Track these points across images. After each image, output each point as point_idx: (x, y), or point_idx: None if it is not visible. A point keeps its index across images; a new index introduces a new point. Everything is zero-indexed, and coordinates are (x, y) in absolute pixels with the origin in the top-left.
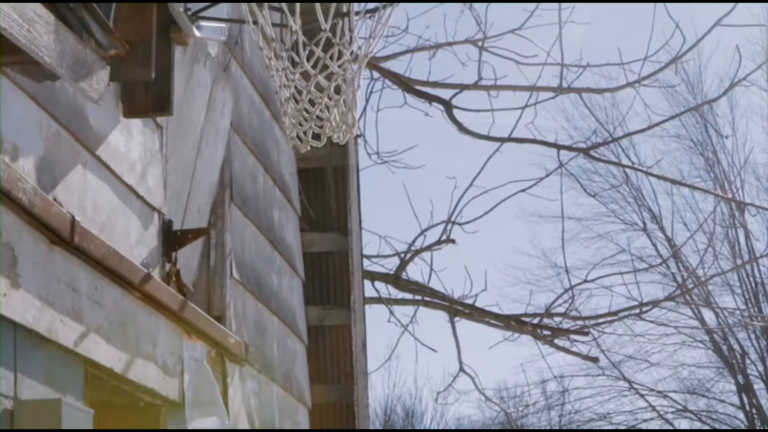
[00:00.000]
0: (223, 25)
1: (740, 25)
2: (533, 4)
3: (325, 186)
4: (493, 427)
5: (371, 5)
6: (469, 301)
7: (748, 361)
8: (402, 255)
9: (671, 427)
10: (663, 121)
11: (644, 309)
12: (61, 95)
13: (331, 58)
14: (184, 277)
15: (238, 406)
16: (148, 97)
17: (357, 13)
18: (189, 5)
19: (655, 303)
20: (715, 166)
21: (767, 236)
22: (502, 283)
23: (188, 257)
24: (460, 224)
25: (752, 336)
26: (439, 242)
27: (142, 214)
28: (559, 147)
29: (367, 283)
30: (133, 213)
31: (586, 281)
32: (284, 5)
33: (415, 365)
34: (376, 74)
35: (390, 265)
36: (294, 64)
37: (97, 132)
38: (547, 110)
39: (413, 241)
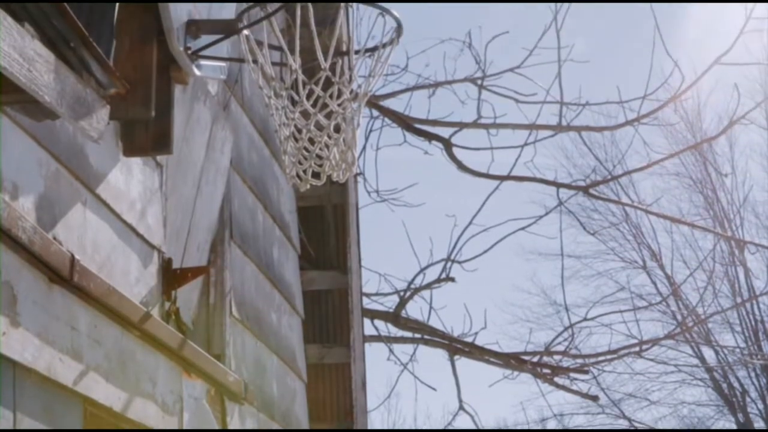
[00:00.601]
0: (223, 63)
1: (739, 63)
2: (532, 44)
3: (325, 224)
4: None
5: (371, 45)
6: (469, 339)
7: (748, 399)
8: (401, 293)
9: None
10: (662, 160)
11: (644, 347)
12: (61, 134)
13: (331, 96)
14: (184, 315)
15: None
16: (148, 135)
17: (357, 52)
18: (189, 44)
19: (655, 341)
20: (714, 204)
21: (767, 274)
22: (502, 321)
23: (188, 295)
24: (459, 262)
25: (752, 374)
26: (438, 280)
27: (142, 252)
28: (558, 185)
29: (366, 321)
30: (132, 251)
31: (585, 319)
32: (284, 45)
33: (415, 403)
34: (375, 112)
35: (390, 303)
36: (294, 102)
37: (97, 170)
38: (547, 148)
39: (413, 279)
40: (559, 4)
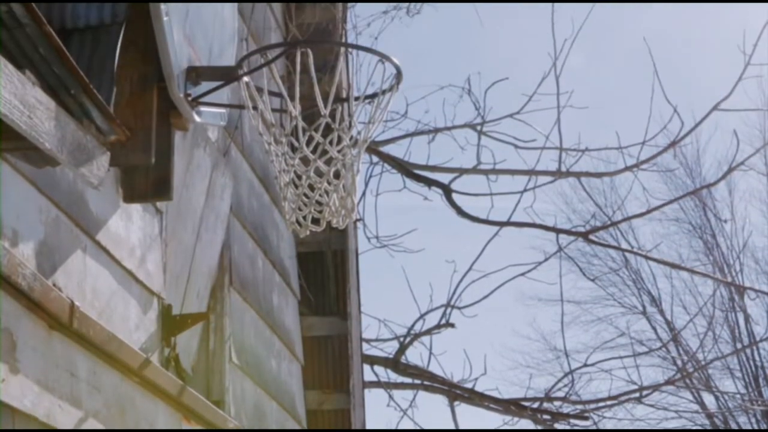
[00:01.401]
0: (223, 110)
1: (738, 109)
2: (531, 90)
3: (325, 270)
4: None
5: (370, 91)
6: (469, 385)
7: None
8: (401, 339)
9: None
10: (662, 205)
11: (644, 393)
12: (61, 180)
13: (331, 143)
14: (183, 361)
15: None
16: (148, 182)
17: (356, 99)
18: (189, 90)
19: (655, 387)
20: (714, 249)
21: (767, 320)
22: (502, 367)
23: (187, 341)
24: (459, 308)
25: (753, 420)
26: (438, 326)
27: (142, 298)
28: (558, 231)
29: (366, 367)
30: (132, 297)
31: (585, 365)
32: (284, 91)
33: None
34: (375, 158)
35: (389, 348)
36: (293, 149)
37: (97, 217)
38: (546, 194)
39: (412, 325)
40: (558, 51)
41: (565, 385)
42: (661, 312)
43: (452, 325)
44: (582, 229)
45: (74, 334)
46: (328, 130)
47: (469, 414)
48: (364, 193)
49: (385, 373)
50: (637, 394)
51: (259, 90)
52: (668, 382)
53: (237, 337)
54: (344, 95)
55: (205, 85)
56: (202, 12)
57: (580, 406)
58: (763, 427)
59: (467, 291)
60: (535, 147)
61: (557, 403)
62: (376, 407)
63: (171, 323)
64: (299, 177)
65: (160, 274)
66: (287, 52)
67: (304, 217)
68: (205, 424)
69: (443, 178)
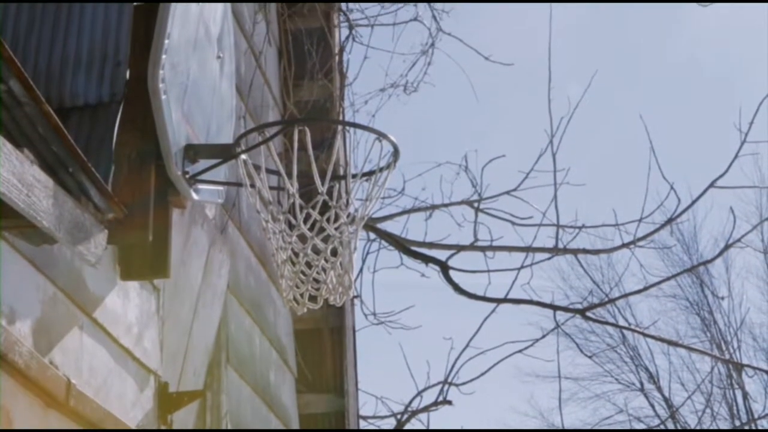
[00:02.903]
0: (220, 188)
1: (734, 186)
2: (528, 167)
3: (322, 347)
4: None
5: (368, 168)
6: None
7: None
8: (399, 416)
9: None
10: (659, 283)
11: None
12: (59, 258)
13: (328, 220)
14: None
15: None
16: (145, 260)
17: (354, 176)
18: (187, 168)
19: None
20: (711, 326)
21: (765, 397)
22: None
23: (184, 419)
24: (456, 385)
25: None
26: (435, 403)
27: (138, 376)
28: (555, 308)
29: None
30: (128, 375)
31: None
32: (281, 169)
33: None
34: (372, 235)
35: (387, 425)
36: (291, 226)
37: (94, 294)
38: (544, 270)
39: (410, 402)
40: (554, 129)
41: None
42: (659, 389)
43: (450, 403)
44: (579, 306)
45: (71, 411)
46: (325, 207)
47: None
48: (361, 270)
49: None
50: None
51: (257, 167)
52: None
53: (234, 414)
54: (342, 173)
55: (203, 163)
56: (201, 90)
57: None
58: None
59: (465, 368)
60: (532, 224)
61: None
62: None
63: (167, 401)
64: (296, 254)
65: (156, 352)
66: (285, 130)
67: (302, 295)
68: None
69: (440, 254)
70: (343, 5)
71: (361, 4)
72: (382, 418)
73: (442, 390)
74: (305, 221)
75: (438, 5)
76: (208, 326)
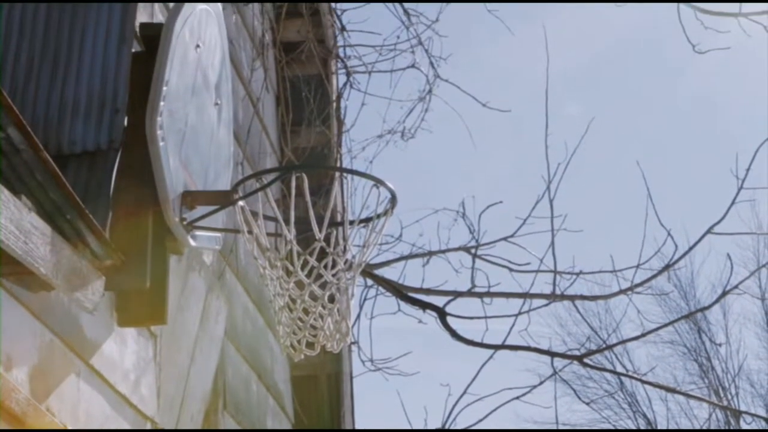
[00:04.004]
0: (218, 234)
1: (732, 233)
2: (525, 213)
3: (319, 393)
4: None
5: (365, 215)
6: None
7: None
8: None
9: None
10: (656, 329)
11: None
12: (56, 305)
13: (326, 267)
14: None
15: None
16: (142, 306)
17: (351, 223)
18: (184, 215)
19: None
20: (709, 372)
21: None
22: None
23: None
24: None
25: None
26: None
27: (135, 423)
28: (552, 354)
29: None
30: (125, 422)
31: None
32: (279, 215)
33: None
34: (370, 281)
35: None
36: (288, 273)
37: (92, 341)
38: (541, 316)
39: None
40: (551, 175)
41: None
42: None
43: None
44: (577, 353)
45: None
46: (322, 254)
47: None
48: (358, 316)
49: None
50: None
51: (254, 214)
52: None
53: None
54: (339, 219)
55: (201, 210)
56: (198, 137)
57: None
58: None
59: (462, 414)
60: (529, 270)
61: None
62: None
63: None
64: (294, 301)
65: (153, 399)
66: (282, 177)
67: (299, 341)
68: None
69: (438, 301)
70: (341, 51)
71: (358, 50)
72: None
73: None
74: (303, 267)
75: (435, 53)
76: (205, 373)
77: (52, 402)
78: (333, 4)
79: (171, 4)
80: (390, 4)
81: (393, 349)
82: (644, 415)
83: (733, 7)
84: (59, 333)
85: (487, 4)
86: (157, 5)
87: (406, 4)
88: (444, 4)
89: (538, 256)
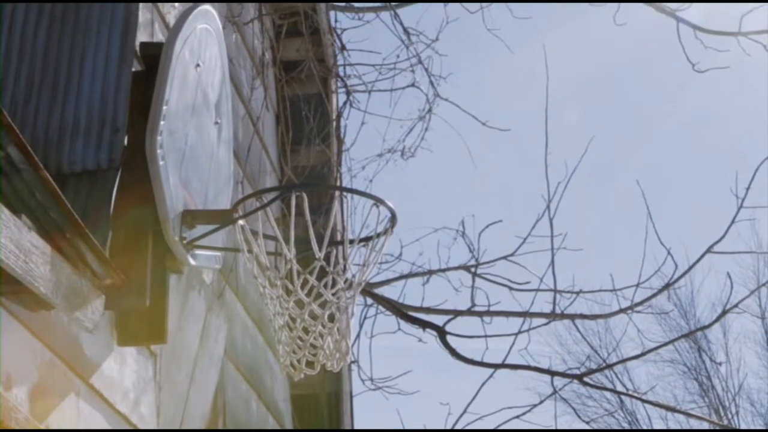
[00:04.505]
0: (218, 253)
1: (731, 252)
2: (525, 232)
3: (319, 412)
4: None
5: (365, 234)
6: None
7: None
8: None
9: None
10: (656, 348)
11: None
12: (55, 324)
13: (325, 286)
14: None
15: None
16: (142, 325)
17: (351, 242)
18: (184, 234)
19: None
20: (709, 391)
21: None
22: None
23: None
24: None
25: None
26: None
27: None
28: (552, 373)
29: None
30: None
31: None
32: (279, 234)
33: None
34: (369, 300)
35: None
36: (288, 292)
37: (91, 360)
38: (541, 335)
39: None
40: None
41: None
42: None
43: None
44: (577, 371)
45: None
46: (322, 273)
47: None
48: (358, 336)
49: None
50: None
51: (254, 233)
52: None
53: None
54: (339, 238)
55: (201, 229)
56: (198, 156)
57: None
58: None
59: None
60: (529, 289)
61: None
62: None
63: None
64: (294, 320)
65: (153, 418)
66: (282, 196)
67: (299, 360)
68: None
69: (438, 319)
70: (341, 70)
71: (358, 69)
72: None
73: None
74: (302, 287)
75: (435, 71)
76: (204, 392)
77: (51, 421)
78: (333, 23)
79: (171, 24)
80: (390, 24)
81: (393, 368)
82: None
83: (732, 25)
84: (59, 352)
85: (487, 23)
86: (157, 24)
87: (406, 24)
88: (444, 23)
89: (538, 274)
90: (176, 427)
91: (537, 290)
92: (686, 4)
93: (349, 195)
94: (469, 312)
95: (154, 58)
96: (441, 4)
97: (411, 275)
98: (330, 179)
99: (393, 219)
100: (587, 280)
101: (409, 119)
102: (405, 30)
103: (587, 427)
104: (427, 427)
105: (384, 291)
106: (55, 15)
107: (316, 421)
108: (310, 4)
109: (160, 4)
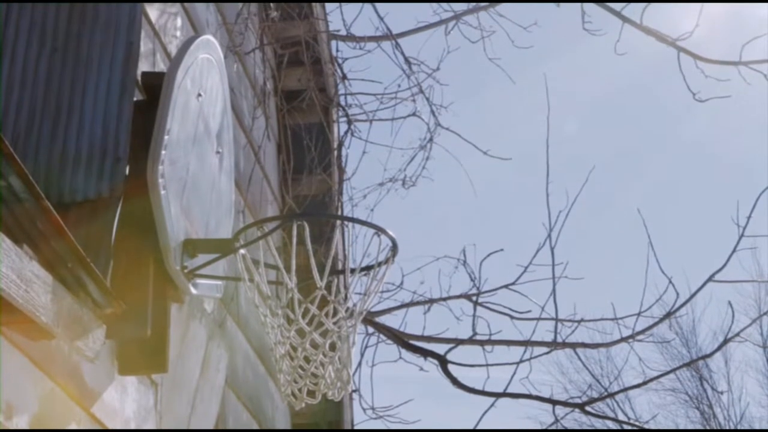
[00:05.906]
0: (219, 282)
1: (733, 281)
2: (526, 261)
3: None
4: None
5: (366, 263)
6: None
7: None
8: None
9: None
10: (658, 377)
11: None
12: (56, 353)
13: (327, 315)
14: None
15: None
16: (143, 354)
17: (352, 271)
18: (185, 263)
19: None
20: (711, 420)
21: None
22: None
23: None
24: None
25: None
26: None
27: None
28: (554, 402)
29: None
30: None
31: None
32: (280, 263)
33: None
34: (371, 329)
35: None
36: (289, 321)
37: (92, 390)
38: (543, 364)
39: None
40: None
41: None
42: None
43: None
44: (578, 400)
45: None
46: (324, 301)
47: None
48: (359, 364)
49: None
50: None
51: (256, 262)
52: None
53: None
54: (340, 267)
55: (202, 258)
56: (200, 185)
57: None
58: None
59: None
60: (530, 318)
61: None
62: None
63: None
64: (295, 349)
65: None
66: (284, 225)
67: (300, 389)
68: None
69: (439, 348)
70: (342, 100)
71: (360, 98)
72: None
73: None
74: (304, 316)
75: (436, 101)
76: (205, 421)
77: None
78: (334, 53)
79: (173, 53)
80: (391, 53)
81: (394, 397)
82: None
83: (733, 55)
84: (60, 381)
85: (488, 53)
86: (158, 54)
87: (407, 53)
88: (445, 53)
89: (540, 303)
90: None
91: (538, 319)
92: (687, 33)
93: (350, 224)
94: (471, 341)
95: (156, 87)
96: (442, 34)
97: (412, 304)
98: (331, 208)
99: (394, 248)
100: (588, 309)
101: (410, 148)
102: (406, 59)
103: None
104: None
105: (385, 320)
106: (57, 45)
107: None
108: (311, 34)
109: (162, 35)
